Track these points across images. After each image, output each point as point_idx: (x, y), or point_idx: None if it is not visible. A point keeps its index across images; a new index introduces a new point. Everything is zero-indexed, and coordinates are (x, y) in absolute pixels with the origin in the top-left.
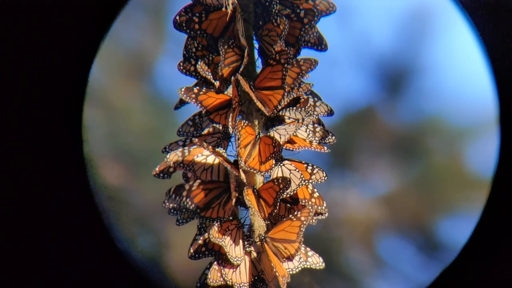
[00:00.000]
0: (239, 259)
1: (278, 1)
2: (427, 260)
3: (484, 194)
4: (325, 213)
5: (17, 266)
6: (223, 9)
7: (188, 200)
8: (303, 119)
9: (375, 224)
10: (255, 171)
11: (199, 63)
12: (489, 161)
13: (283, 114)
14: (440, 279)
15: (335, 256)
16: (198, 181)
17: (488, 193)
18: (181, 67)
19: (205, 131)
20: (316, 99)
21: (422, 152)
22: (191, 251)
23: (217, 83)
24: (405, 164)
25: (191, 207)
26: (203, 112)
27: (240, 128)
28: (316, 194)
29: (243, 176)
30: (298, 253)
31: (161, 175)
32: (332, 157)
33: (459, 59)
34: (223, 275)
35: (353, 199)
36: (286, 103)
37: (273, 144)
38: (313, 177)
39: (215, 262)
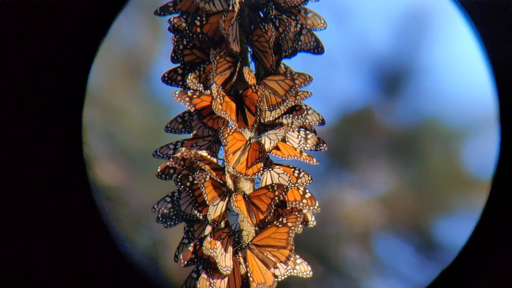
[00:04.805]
0: (229, 269)
1: (273, 7)
2: (424, 260)
3: (482, 195)
4: (314, 222)
5: (16, 266)
6: (230, 7)
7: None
8: (292, 124)
9: (373, 224)
10: (242, 176)
11: (189, 77)
12: (487, 162)
13: (279, 121)
14: (438, 280)
15: (333, 257)
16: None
17: (487, 194)
18: (166, 78)
19: (192, 134)
20: (308, 107)
21: (420, 153)
22: (182, 260)
23: (208, 92)
24: (403, 164)
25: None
26: (197, 117)
27: (226, 135)
28: (308, 195)
29: (230, 182)
30: (291, 259)
31: (163, 176)
32: (330, 157)
33: (458, 60)
34: (212, 285)
35: (351, 200)
36: (282, 111)
37: (259, 150)
38: (299, 180)
39: (204, 271)
